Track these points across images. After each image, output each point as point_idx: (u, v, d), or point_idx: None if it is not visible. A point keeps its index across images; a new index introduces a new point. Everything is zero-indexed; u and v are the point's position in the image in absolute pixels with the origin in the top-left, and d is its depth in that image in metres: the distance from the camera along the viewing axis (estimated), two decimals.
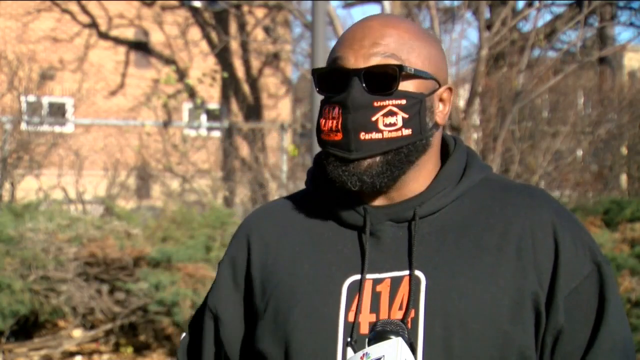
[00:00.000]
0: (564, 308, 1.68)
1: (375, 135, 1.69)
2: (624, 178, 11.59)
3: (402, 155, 1.71)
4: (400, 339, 1.61)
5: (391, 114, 1.70)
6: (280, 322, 1.74)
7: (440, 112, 1.77)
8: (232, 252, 1.86)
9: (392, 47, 1.72)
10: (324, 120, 1.73)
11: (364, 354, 1.61)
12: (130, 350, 7.86)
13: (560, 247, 1.69)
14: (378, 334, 1.63)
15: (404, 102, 1.70)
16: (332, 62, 1.75)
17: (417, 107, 1.71)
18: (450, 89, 1.79)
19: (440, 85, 1.77)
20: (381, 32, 1.73)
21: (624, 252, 7.03)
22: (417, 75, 1.72)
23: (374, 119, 1.69)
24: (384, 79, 1.70)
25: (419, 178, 1.75)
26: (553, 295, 1.68)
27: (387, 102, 1.70)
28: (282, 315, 1.74)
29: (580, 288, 1.69)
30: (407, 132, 1.70)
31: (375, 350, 1.60)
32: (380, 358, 1.59)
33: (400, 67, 1.70)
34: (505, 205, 1.74)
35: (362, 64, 1.70)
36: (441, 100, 1.77)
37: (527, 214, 1.72)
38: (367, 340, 1.66)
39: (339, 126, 1.70)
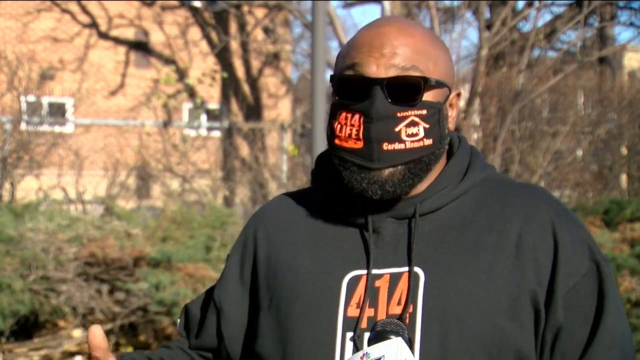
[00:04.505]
0: (563, 305, 1.70)
1: (398, 146, 1.70)
2: (624, 178, 11.58)
3: (423, 164, 1.72)
4: (400, 339, 1.61)
5: (413, 124, 1.71)
6: (281, 318, 1.76)
7: (451, 117, 1.79)
8: (240, 247, 1.89)
9: (412, 57, 1.72)
10: (339, 126, 1.73)
11: (364, 354, 1.61)
12: (130, 350, 7.86)
13: (559, 246, 1.71)
14: (378, 334, 1.63)
15: (424, 112, 1.72)
16: (349, 68, 1.74)
17: (436, 116, 1.73)
18: (458, 93, 1.81)
19: (450, 91, 1.78)
20: (399, 40, 1.72)
21: (624, 252, 7.02)
22: (437, 85, 1.74)
23: (397, 129, 1.70)
24: (407, 90, 1.70)
25: (425, 180, 1.77)
26: (552, 293, 1.70)
27: (409, 113, 1.71)
28: (283, 311, 1.76)
29: (579, 286, 1.71)
30: (428, 142, 1.72)
31: (375, 350, 1.60)
32: (380, 358, 1.59)
33: (425, 80, 1.71)
34: (505, 204, 1.76)
35: (383, 73, 1.70)
36: (450, 105, 1.79)
37: (527, 213, 1.74)
38: (367, 340, 1.66)
39: (360, 135, 1.70)
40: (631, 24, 17.48)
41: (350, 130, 1.71)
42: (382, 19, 1.79)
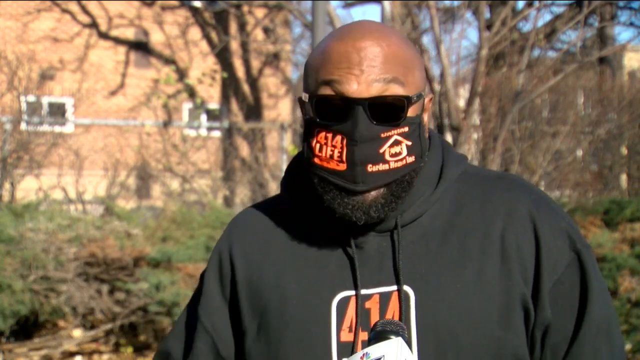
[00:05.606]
0: (549, 300, 1.69)
1: (382, 167, 1.63)
2: (624, 178, 11.59)
3: (405, 184, 1.67)
4: (400, 339, 1.61)
5: (396, 143, 1.65)
6: (272, 345, 1.71)
7: (425, 123, 1.74)
8: (217, 268, 1.82)
9: (391, 69, 1.64)
10: (318, 145, 1.65)
11: (364, 354, 1.61)
12: (130, 350, 7.86)
13: (540, 241, 1.70)
14: (378, 334, 1.63)
15: (406, 129, 1.66)
16: (326, 85, 1.65)
17: (417, 131, 1.68)
18: (431, 98, 1.76)
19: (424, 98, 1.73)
20: (377, 53, 1.64)
21: (624, 252, 7.02)
22: (417, 100, 1.68)
23: (381, 150, 1.63)
24: (390, 109, 1.64)
25: None
26: (538, 289, 1.69)
27: (392, 132, 1.64)
28: (274, 338, 1.71)
29: (563, 278, 1.70)
30: (410, 159, 1.66)
31: (375, 350, 1.60)
32: (380, 358, 1.59)
33: (409, 99, 1.65)
34: (485, 201, 1.73)
35: (365, 92, 1.62)
36: (424, 110, 1.74)
37: (506, 210, 1.72)
38: (367, 339, 1.66)
39: (343, 157, 1.62)
40: (631, 24, 17.48)
41: (332, 151, 1.63)
42: (354, 30, 1.68)
